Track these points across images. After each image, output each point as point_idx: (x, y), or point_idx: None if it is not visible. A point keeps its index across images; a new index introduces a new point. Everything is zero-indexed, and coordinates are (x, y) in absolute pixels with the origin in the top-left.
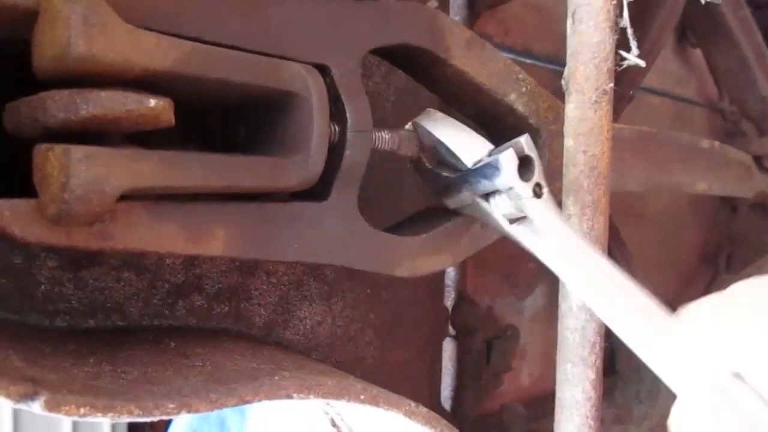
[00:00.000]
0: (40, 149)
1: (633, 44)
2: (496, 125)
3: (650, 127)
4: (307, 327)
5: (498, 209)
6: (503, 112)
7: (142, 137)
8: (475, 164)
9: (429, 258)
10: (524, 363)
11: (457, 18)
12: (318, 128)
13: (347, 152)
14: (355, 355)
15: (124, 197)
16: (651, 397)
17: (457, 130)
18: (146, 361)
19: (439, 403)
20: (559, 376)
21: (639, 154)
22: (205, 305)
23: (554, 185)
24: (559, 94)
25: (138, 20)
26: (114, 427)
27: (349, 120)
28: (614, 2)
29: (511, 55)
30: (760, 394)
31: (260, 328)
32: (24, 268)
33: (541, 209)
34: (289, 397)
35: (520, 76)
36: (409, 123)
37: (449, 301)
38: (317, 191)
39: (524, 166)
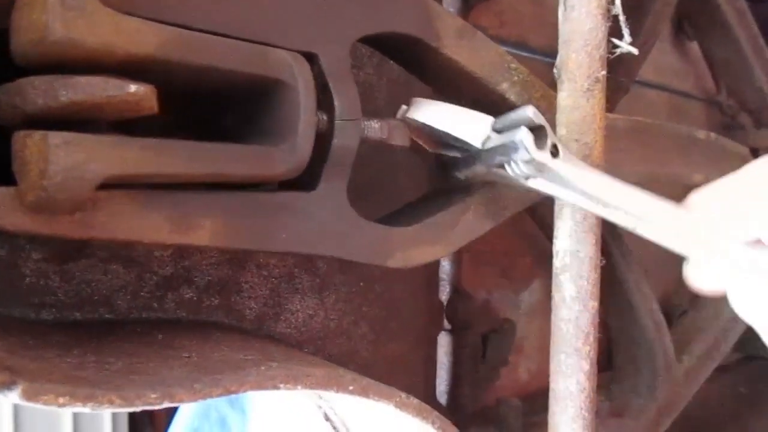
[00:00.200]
0: (19, 136)
1: (625, 31)
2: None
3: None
4: (299, 320)
5: (515, 174)
6: (495, 101)
7: (129, 126)
8: (484, 143)
9: (422, 248)
10: (521, 357)
11: (451, 9)
12: (305, 116)
13: (335, 141)
14: (348, 349)
15: (108, 186)
16: (649, 390)
17: (452, 113)
18: (132, 352)
19: (435, 397)
20: (553, 368)
21: (634, 145)
22: (195, 298)
23: None
24: (555, 87)
25: (119, 5)
26: (115, 424)
27: (336, 108)
28: None
29: (506, 48)
30: None
31: (251, 321)
32: (8, 261)
33: (563, 166)
34: (276, 387)
35: (513, 65)
36: (399, 116)
37: (444, 295)
38: (306, 181)
39: (536, 134)
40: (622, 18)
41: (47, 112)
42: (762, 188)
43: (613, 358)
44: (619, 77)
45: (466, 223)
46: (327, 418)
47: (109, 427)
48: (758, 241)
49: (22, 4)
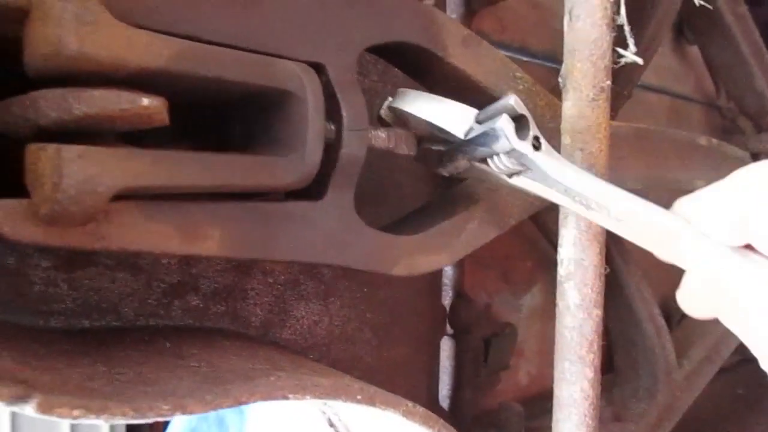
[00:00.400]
0: (32, 149)
1: (630, 41)
2: None
3: (647, 123)
4: (304, 326)
5: (498, 169)
6: None
7: (136, 136)
8: (467, 134)
9: (426, 257)
10: (522, 361)
11: (453, 15)
12: (313, 127)
13: (343, 151)
14: (352, 354)
15: (118, 197)
16: (649, 394)
17: (436, 104)
18: (141, 361)
19: (437, 401)
20: (557, 375)
21: (637, 152)
22: (201, 305)
23: None
24: (557, 92)
25: (130, 19)
26: (112, 427)
27: (344, 118)
28: None
29: (508, 53)
30: None
31: (257, 327)
32: (17, 269)
33: (544, 159)
34: (285, 397)
35: (517, 74)
36: (385, 106)
37: (447, 300)
38: (313, 190)
39: (518, 124)
40: (627, 28)
41: (60, 124)
42: (750, 194)
43: (613, 362)
44: (621, 84)
45: (470, 232)
46: (331, 424)
47: (107, 427)
48: (747, 246)
49: (36, 18)
